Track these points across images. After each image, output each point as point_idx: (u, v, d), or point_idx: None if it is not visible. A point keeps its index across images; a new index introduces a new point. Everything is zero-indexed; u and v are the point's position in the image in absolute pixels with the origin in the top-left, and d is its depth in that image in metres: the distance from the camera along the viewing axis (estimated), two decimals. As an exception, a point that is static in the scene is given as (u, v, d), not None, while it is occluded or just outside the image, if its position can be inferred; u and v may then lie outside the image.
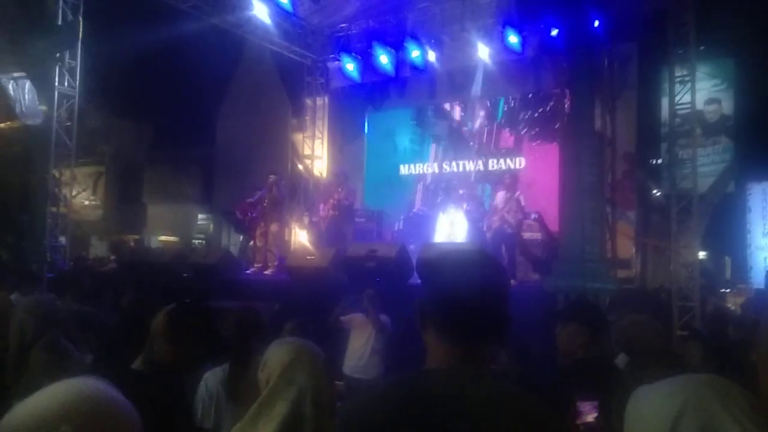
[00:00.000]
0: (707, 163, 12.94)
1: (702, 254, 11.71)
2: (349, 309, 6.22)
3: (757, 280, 15.03)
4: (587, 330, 2.88)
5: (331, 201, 10.04)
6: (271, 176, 10.33)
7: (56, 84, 9.66)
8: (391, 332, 5.87)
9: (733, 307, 10.45)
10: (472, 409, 1.20)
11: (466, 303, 1.30)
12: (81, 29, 9.58)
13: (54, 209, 9.79)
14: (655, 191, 14.27)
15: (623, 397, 1.03)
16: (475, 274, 1.33)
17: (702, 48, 10.71)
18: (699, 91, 9.81)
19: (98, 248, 19.41)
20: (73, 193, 11.60)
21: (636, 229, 11.39)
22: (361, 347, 5.95)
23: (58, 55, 9.63)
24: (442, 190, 12.74)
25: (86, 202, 22.12)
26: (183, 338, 2.40)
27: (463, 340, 1.30)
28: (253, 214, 10.10)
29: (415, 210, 12.96)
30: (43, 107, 10.18)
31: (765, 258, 15.44)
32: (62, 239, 9.87)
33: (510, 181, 8.98)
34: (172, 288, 7.46)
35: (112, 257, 12.50)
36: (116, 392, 0.93)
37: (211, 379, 2.85)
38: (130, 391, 1.22)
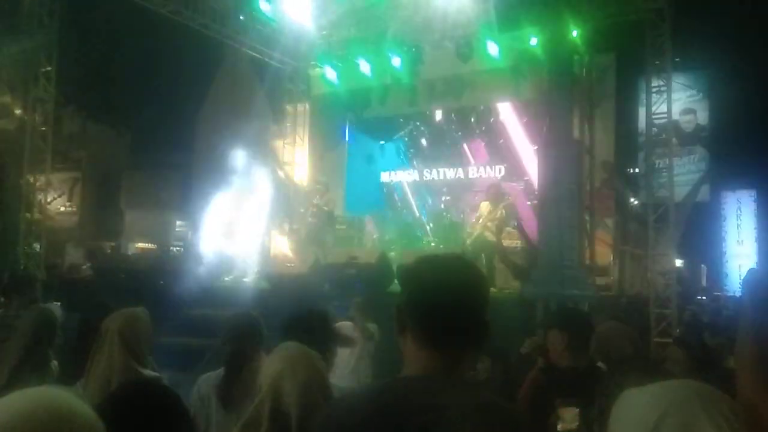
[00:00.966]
0: (683, 173, 13.16)
1: (678, 262, 11.85)
2: (336, 318, 6.18)
3: (733, 288, 15.30)
4: (566, 336, 2.89)
5: (311, 208, 9.99)
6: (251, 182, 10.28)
7: (31, 88, 9.50)
8: (379, 340, 5.84)
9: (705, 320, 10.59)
10: (450, 418, 1.18)
11: (444, 309, 1.28)
12: (57, 33, 9.45)
13: (28, 215, 9.59)
14: (632, 200, 14.46)
15: (604, 403, 1.03)
16: (453, 280, 1.31)
17: (678, 59, 10.92)
18: (675, 101, 9.99)
19: (74, 255, 19.08)
20: (49, 199, 11.40)
21: (614, 236, 11.52)
22: (348, 356, 5.90)
23: (33, 58, 9.47)
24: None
25: (62, 208, 21.77)
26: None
27: (441, 346, 1.28)
28: None
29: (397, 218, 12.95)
30: (18, 111, 9.99)
31: (740, 266, 15.72)
32: (36, 246, 9.68)
33: (494, 191, 9.04)
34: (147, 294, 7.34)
35: (87, 264, 12.29)
36: (80, 402, 0.87)
37: (204, 384, 2.80)
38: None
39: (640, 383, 1.05)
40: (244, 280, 10.02)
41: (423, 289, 1.32)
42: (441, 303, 1.28)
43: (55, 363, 3.22)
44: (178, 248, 20.60)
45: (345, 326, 6.01)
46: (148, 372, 2.59)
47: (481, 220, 8.70)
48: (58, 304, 4.69)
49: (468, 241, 8.85)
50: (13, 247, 9.19)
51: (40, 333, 3.18)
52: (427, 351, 1.28)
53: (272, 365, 1.81)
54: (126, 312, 2.54)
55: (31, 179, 9.68)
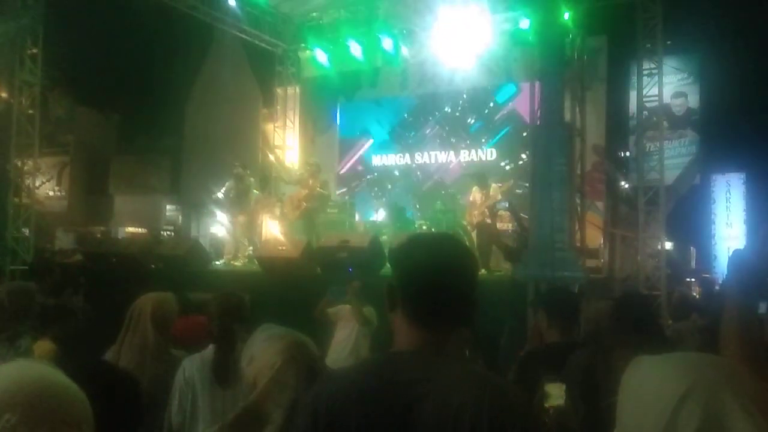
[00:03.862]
0: (674, 156, 13.21)
1: (668, 244, 11.95)
2: (334, 301, 6.18)
3: (721, 270, 15.45)
4: (548, 314, 2.96)
5: (304, 192, 9.95)
6: (236, 164, 10.24)
7: (17, 71, 9.37)
8: (377, 324, 5.85)
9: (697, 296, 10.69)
10: (438, 390, 1.20)
11: (433, 288, 1.30)
12: (43, 15, 9.31)
13: (17, 200, 9.52)
14: (622, 183, 14.52)
15: (586, 379, 1.02)
16: (443, 259, 1.33)
17: (669, 42, 10.91)
18: (666, 84, 10.00)
19: (63, 240, 18.96)
20: (37, 183, 11.30)
21: (604, 219, 11.58)
22: (344, 339, 5.92)
23: (19, 41, 9.33)
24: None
25: (51, 193, 21.61)
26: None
27: (430, 321, 1.30)
28: None
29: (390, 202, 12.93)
30: (4, 95, 9.86)
31: (729, 248, 15.86)
32: (25, 231, 9.62)
33: (479, 177, 9.09)
34: (139, 279, 7.32)
35: (78, 249, 12.22)
36: (63, 375, 0.87)
37: (188, 365, 2.80)
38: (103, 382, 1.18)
39: (624, 359, 1.05)
40: (235, 263, 10.01)
41: (413, 268, 1.33)
42: (431, 282, 1.30)
43: (27, 338, 3.24)
44: (168, 232, 20.52)
45: (343, 309, 6.04)
46: (176, 351, 2.68)
47: (477, 207, 8.78)
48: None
49: (470, 229, 9.01)
50: (1, 232, 9.12)
51: (13, 307, 3.26)
52: (417, 328, 1.30)
53: (269, 356, 1.77)
54: (157, 295, 2.70)
55: (19, 163, 9.60)
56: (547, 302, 3.05)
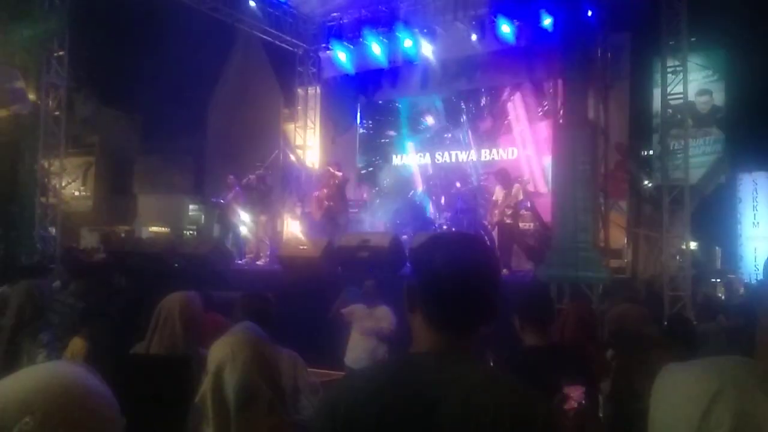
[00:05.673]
0: (698, 154, 12.99)
1: (693, 244, 11.77)
2: (348, 301, 6.20)
3: (747, 270, 15.16)
4: (522, 318, 2.72)
5: (326, 190, 10.00)
6: (258, 164, 10.33)
7: (44, 73, 9.54)
8: (394, 322, 5.85)
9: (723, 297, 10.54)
10: (460, 393, 1.20)
11: (454, 286, 1.28)
12: (69, 18, 9.46)
13: (43, 200, 9.70)
14: (646, 182, 14.33)
15: (622, 380, 1.01)
16: (464, 261, 1.31)
17: (694, 39, 10.73)
18: (691, 82, 9.84)
19: (88, 239, 19.27)
20: (63, 183, 11.50)
21: (628, 219, 11.44)
22: (362, 338, 5.92)
23: (45, 43, 9.49)
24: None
25: (76, 193, 21.94)
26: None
27: (451, 323, 1.29)
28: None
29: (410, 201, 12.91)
30: (32, 97, 10.05)
31: (755, 248, 15.56)
32: (52, 230, 9.79)
33: (502, 176, 9.03)
34: (164, 277, 7.41)
35: (101, 247, 12.41)
36: (93, 378, 0.86)
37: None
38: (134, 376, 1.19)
39: (662, 360, 1.03)
40: (258, 263, 10.09)
41: (434, 270, 1.32)
42: (453, 283, 1.29)
43: (49, 333, 3.34)
44: (191, 232, 20.74)
45: (357, 309, 6.05)
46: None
47: (498, 206, 8.75)
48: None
49: (491, 229, 8.98)
50: (29, 231, 9.30)
51: (26, 307, 3.36)
52: (438, 330, 1.29)
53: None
54: (184, 294, 2.72)
55: (46, 164, 9.76)
56: (517, 304, 2.73)
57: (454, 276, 1.29)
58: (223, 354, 1.79)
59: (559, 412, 2.24)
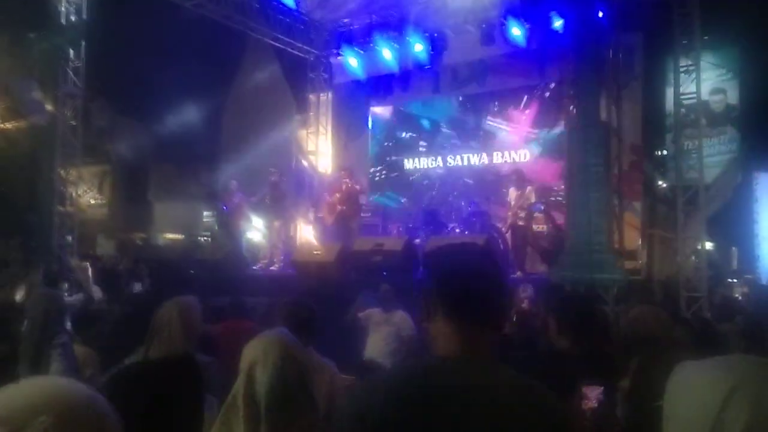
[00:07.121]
0: (713, 154, 12.87)
1: (708, 245, 11.65)
2: (365, 305, 6.22)
3: (765, 270, 14.98)
4: (555, 320, 2.82)
5: (338, 195, 10.04)
6: (272, 170, 10.38)
7: (61, 84, 9.68)
8: (411, 326, 5.86)
9: (740, 298, 10.42)
10: (486, 397, 1.22)
11: (476, 294, 1.34)
12: (85, 29, 9.60)
13: (61, 208, 9.81)
14: (660, 182, 14.22)
15: (641, 379, 1.03)
16: (479, 266, 1.39)
17: (707, 37, 10.64)
18: (704, 81, 9.76)
19: (105, 246, 19.47)
20: (80, 192, 11.64)
21: (642, 220, 11.35)
22: (380, 342, 5.93)
23: (62, 54, 9.64)
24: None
25: (92, 201, 22.18)
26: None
27: (473, 328, 1.32)
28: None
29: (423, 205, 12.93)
30: (49, 107, 10.20)
31: (772, 248, 15.36)
32: (69, 238, 9.91)
33: (517, 177, 9.04)
34: (183, 283, 7.48)
35: (123, 257, 12.56)
36: (93, 391, 0.89)
37: None
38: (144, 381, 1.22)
39: (681, 360, 1.04)
40: (272, 268, 10.15)
41: (454, 275, 1.37)
42: (473, 288, 1.34)
43: (64, 335, 3.48)
44: (205, 238, 20.87)
45: (374, 313, 6.07)
46: (204, 357, 2.73)
47: (511, 208, 8.75)
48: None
49: (504, 230, 8.97)
50: (47, 239, 9.42)
51: (49, 314, 3.46)
52: (460, 333, 1.32)
53: (249, 351, 1.86)
54: (183, 299, 2.70)
55: (63, 173, 9.89)
56: (558, 308, 2.81)
57: (474, 280, 1.35)
58: (255, 354, 1.83)
59: (579, 413, 2.25)
